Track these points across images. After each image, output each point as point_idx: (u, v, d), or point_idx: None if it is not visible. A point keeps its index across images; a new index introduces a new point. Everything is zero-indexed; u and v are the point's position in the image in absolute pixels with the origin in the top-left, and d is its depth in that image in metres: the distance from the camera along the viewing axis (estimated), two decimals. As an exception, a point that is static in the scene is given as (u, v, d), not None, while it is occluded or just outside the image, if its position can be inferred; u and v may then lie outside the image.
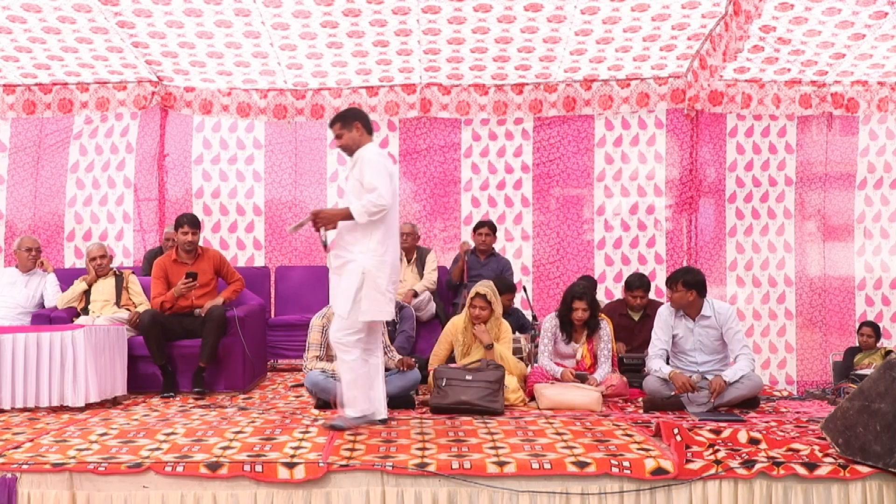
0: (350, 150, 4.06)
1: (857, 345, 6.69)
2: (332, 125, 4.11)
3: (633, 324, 5.88)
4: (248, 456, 3.30)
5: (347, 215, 3.84)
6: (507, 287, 5.68)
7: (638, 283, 5.86)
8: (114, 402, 4.86)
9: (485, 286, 4.98)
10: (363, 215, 3.80)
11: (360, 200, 3.83)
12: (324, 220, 3.89)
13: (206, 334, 5.14)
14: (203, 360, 5.14)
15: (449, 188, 7.50)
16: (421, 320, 6.13)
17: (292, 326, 6.42)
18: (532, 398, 4.84)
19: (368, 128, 4.09)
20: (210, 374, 5.22)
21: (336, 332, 3.94)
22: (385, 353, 4.82)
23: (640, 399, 4.78)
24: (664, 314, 4.93)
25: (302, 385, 5.27)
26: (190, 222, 5.44)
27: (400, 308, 5.68)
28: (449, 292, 6.61)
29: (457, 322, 5.07)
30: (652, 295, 6.02)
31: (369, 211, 3.80)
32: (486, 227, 6.56)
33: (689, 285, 4.77)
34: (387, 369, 4.94)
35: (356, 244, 3.90)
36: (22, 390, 4.47)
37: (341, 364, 3.95)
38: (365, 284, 3.85)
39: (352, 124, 4.03)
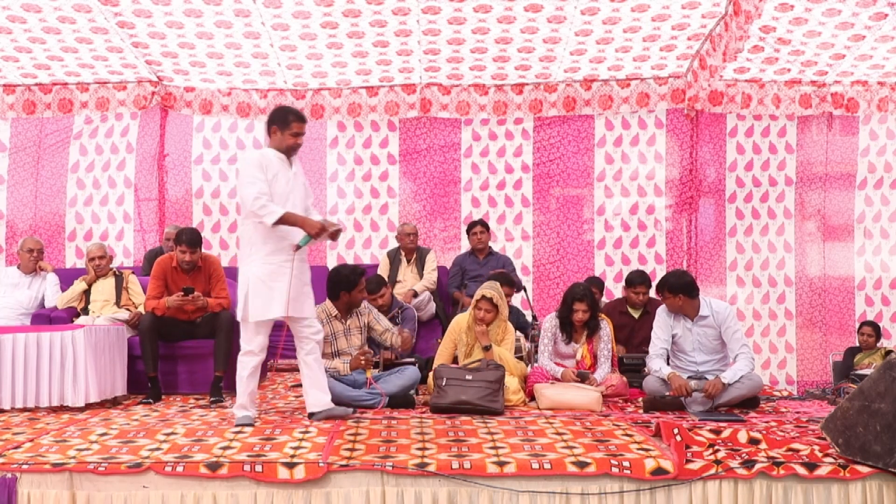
0: (296, 153, 4.19)
1: (857, 345, 6.69)
2: (303, 121, 4.11)
3: (634, 322, 5.88)
4: (248, 456, 3.30)
5: None
6: (506, 281, 5.57)
7: (639, 280, 5.88)
8: (114, 402, 4.86)
9: (491, 289, 4.92)
10: None
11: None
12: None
13: (218, 343, 5.01)
14: (218, 368, 4.99)
15: (449, 188, 7.49)
16: (421, 320, 6.13)
17: (292, 326, 6.39)
18: (532, 398, 4.84)
19: None
20: (209, 375, 5.18)
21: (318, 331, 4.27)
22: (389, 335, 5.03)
23: (640, 399, 4.78)
24: (663, 314, 4.92)
25: (302, 385, 5.26)
26: (188, 242, 5.11)
27: (402, 308, 5.68)
28: (448, 292, 6.61)
29: (461, 321, 5.04)
30: (652, 293, 6.02)
31: None
32: (479, 226, 6.54)
33: (675, 290, 4.76)
34: (393, 365, 5.01)
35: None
36: (22, 390, 4.48)
37: (315, 361, 4.28)
38: None
39: None
